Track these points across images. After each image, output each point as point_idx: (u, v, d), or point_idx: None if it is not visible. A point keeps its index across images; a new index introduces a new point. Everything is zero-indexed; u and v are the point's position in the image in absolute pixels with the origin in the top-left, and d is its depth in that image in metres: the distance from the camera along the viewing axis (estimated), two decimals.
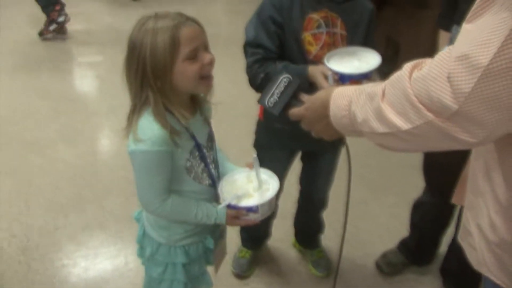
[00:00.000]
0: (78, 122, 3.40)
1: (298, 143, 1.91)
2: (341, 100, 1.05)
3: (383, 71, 4.60)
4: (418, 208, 2.23)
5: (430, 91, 0.79)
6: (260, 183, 1.44)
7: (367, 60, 1.53)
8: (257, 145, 2.01)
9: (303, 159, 2.10)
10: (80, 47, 4.66)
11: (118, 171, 2.90)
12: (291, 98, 1.26)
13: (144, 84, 1.24)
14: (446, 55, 0.79)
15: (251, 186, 1.45)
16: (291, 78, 1.28)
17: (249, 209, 1.39)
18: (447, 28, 1.89)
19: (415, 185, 2.21)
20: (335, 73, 1.47)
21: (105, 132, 3.32)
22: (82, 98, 3.73)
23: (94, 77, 4.06)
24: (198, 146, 1.38)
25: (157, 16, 1.24)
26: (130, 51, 1.25)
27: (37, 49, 4.56)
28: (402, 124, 0.85)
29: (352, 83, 1.48)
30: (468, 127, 0.78)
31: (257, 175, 1.44)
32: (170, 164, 1.32)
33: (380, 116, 0.91)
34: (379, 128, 0.91)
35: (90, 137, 3.25)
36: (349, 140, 3.03)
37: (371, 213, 2.71)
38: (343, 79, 1.48)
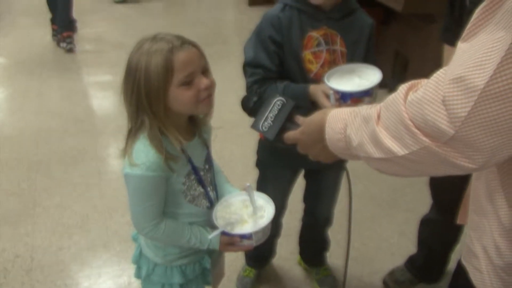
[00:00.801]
0: (85, 142, 3.42)
1: (301, 161, 1.85)
2: (337, 123, 1.02)
3: (391, 88, 4.54)
4: (425, 225, 2.19)
5: (426, 115, 0.75)
6: (255, 210, 1.43)
7: (368, 76, 1.52)
8: (260, 164, 2.01)
9: (306, 177, 2.09)
10: (89, 67, 4.69)
11: (123, 191, 2.86)
12: (286, 121, 1.23)
13: (139, 108, 1.24)
14: (441, 76, 0.76)
15: (246, 211, 1.44)
16: (285, 101, 1.26)
17: (243, 236, 1.38)
18: (452, 43, 1.87)
19: (426, 202, 2.17)
20: (336, 91, 1.46)
21: (111, 151, 3.32)
22: (90, 118, 3.75)
23: (103, 97, 4.08)
24: (194, 170, 1.38)
25: (155, 38, 1.24)
26: (127, 73, 1.25)
27: (47, 68, 4.61)
28: (398, 149, 0.82)
29: (354, 101, 1.47)
30: (466, 152, 0.74)
31: (252, 202, 1.42)
32: (165, 189, 1.32)
33: (376, 140, 0.88)
34: (375, 153, 0.88)
35: (96, 157, 3.27)
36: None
37: (379, 230, 2.68)
38: (344, 97, 1.47)
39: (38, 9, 5.75)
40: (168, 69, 1.19)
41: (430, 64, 3.40)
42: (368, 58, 1.68)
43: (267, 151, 1.94)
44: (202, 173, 1.41)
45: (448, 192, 1.67)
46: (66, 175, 3.08)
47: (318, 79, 1.62)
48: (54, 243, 2.52)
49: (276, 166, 1.94)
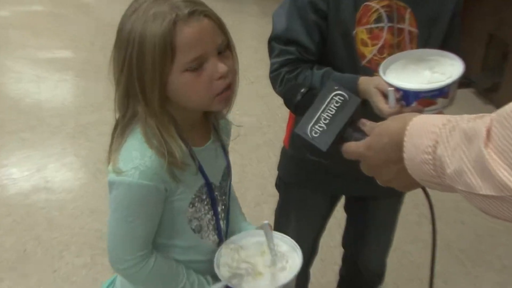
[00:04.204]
0: (27, 146, 3.47)
1: (342, 184, 1.91)
2: (422, 138, 1.00)
3: (483, 85, 4.58)
4: None
5: None
6: (275, 258, 1.43)
7: (444, 68, 1.53)
8: (282, 184, 2.03)
9: (348, 208, 2.11)
10: (37, 37, 4.76)
11: (82, 217, 2.97)
12: (346, 126, 1.18)
13: (130, 93, 1.26)
14: None
15: (261, 260, 1.43)
16: (347, 96, 1.19)
17: None
18: None
19: None
20: (396, 89, 1.48)
21: (67, 160, 3.39)
22: (37, 111, 3.79)
23: (59, 80, 4.14)
24: (208, 186, 1.39)
25: None
26: (117, 41, 1.26)
27: None
28: None
29: (421, 103, 1.49)
30: None
31: (270, 248, 1.43)
32: (161, 207, 1.32)
33: (483, 169, 0.85)
34: (481, 187, 0.85)
35: (44, 166, 3.33)
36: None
37: None
38: (407, 97, 1.49)
39: None
40: (167, 47, 1.20)
41: None
42: (449, 43, 1.70)
43: (292, 167, 1.96)
44: (217, 192, 1.43)
45: None
46: None
47: (372, 69, 1.64)
48: None
49: (305, 188, 1.95)
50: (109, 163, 1.30)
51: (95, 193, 3.09)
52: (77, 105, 3.80)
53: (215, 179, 1.42)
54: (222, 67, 1.24)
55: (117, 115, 1.32)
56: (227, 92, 1.29)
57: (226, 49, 1.28)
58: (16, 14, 4.85)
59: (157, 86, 1.22)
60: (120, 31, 1.25)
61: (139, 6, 1.22)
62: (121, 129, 1.30)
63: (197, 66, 1.22)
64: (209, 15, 1.24)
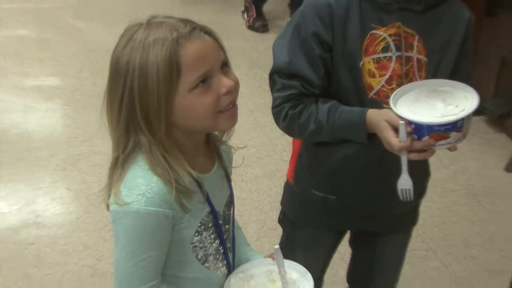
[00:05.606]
0: (16, 179, 3.51)
1: (349, 220, 1.97)
2: None
3: (495, 113, 4.51)
4: None
5: None
6: (286, 286, 1.50)
7: (457, 101, 1.57)
8: (285, 221, 2.08)
9: (354, 243, 2.14)
10: (27, 65, 4.82)
11: (75, 254, 3.01)
12: None
13: (131, 128, 1.31)
14: None
15: None
16: None
17: None
18: None
19: None
20: (408, 122, 1.53)
21: (58, 194, 3.44)
22: (25, 140, 3.85)
23: (47, 110, 4.20)
24: (214, 215, 1.45)
25: (150, 24, 1.30)
26: (112, 77, 1.32)
27: None
28: None
29: (434, 137, 1.54)
30: None
31: (281, 275, 1.50)
32: (170, 235, 1.36)
33: None
34: None
35: (33, 200, 3.37)
36: (434, 219, 3.07)
37: None
38: (420, 131, 1.54)
39: None
40: (172, 69, 1.25)
41: None
42: (460, 72, 1.74)
43: (297, 202, 2.01)
44: (220, 221, 1.48)
45: None
46: None
47: (380, 101, 1.68)
48: None
49: (310, 225, 2.00)
50: (109, 196, 1.34)
51: (87, 227, 3.12)
52: (66, 135, 3.83)
53: (220, 207, 1.48)
54: (228, 82, 1.32)
55: (115, 152, 1.36)
56: (234, 109, 1.36)
57: (225, 66, 1.35)
58: (1, 38, 4.87)
59: (163, 112, 1.27)
60: (115, 63, 1.30)
61: (133, 35, 1.28)
62: (122, 161, 1.34)
63: (203, 83, 1.28)
64: (209, 31, 1.32)
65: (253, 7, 5.32)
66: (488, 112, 3.83)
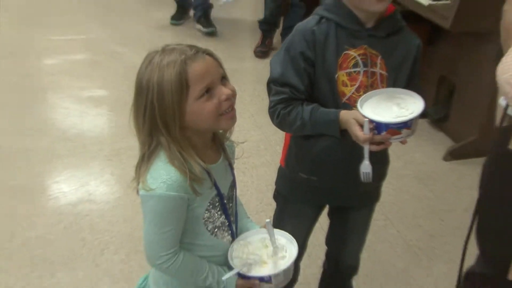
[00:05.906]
0: (74, 166, 3.52)
1: (328, 196, 1.96)
2: None
3: (435, 117, 4.58)
4: (469, 280, 2.19)
5: None
6: (275, 250, 1.50)
7: (408, 105, 1.59)
8: (278, 196, 2.08)
9: (331, 215, 2.14)
10: (82, 80, 4.79)
11: (118, 224, 3.00)
12: None
13: (153, 131, 1.33)
14: None
15: (265, 251, 1.52)
16: None
17: (261, 279, 1.46)
18: None
19: (471, 252, 2.18)
20: (370, 121, 1.55)
21: (105, 178, 3.42)
22: (81, 138, 3.83)
23: (97, 115, 4.18)
24: (220, 196, 1.46)
25: (164, 50, 1.32)
26: (137, 93, 1.34)
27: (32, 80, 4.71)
28: None
29: (390, 132, 1.56)
30: None
31: (272, 242, 1.50)
32: (185, 212, 1.38)
33: None
34: None
35: (87, 183, 3.37)
36: (391, 197, 3.07)
37: (414, 284, 2.72)
38: (379, 128, 1.56)
39: None
40: (182, 83, 1.27)
41: (481, 91, 3.42)
42: (411, 84, 1.75)
43: (287, 182, 2.01)
44: (225, 201, 1.49)
45: (500, 242, 1.70)
46: (49, 203, 3.16)
47: (351, 104, 1.69)
48: (32, 282, 2.58)
49: (297, 200, 2.00)
50: (138, 183, 1.36)
51: (126, 204, 3.13)
52: (111, 134, 3.84)
53: (225, 190, 1.48)
54: (227, 90, 1.34)
55: (141, 150, 1.38)
56: (232, 112, 1.37)
57: (224, 78, 1.36)
58: (63, 62, 4.89)
59: (177, 117, 1.29)
60: (139, 82, 1.32)
61: (152, 59, 1.30)
62: (147, 157, 1.36)
63: (207, 93, 1.30)
64: (210, 53, 1.34)
65: (261, 35, 5.26)
66: (430, 116, 3.89)
